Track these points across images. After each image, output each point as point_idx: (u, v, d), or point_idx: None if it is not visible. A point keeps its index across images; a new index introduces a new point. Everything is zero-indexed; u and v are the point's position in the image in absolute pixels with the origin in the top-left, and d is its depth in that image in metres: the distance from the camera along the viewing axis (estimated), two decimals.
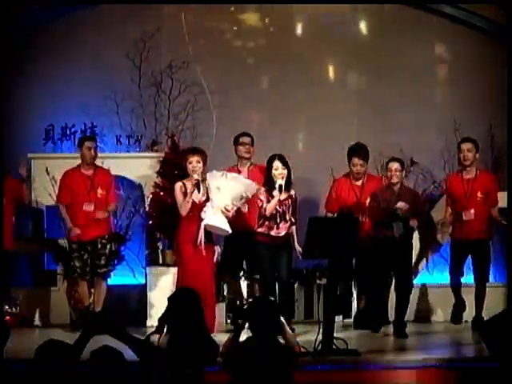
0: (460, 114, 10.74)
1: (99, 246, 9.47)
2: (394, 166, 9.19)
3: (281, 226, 8.95)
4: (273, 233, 8.97)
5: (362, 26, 11.21)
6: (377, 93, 11.19)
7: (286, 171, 8.90)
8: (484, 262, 9.61)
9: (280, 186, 8.82)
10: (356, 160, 9.49)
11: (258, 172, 9.46)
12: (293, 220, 9.00)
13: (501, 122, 10.69)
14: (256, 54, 11.22)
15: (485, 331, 8.09)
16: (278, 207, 8.90)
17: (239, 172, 9.33)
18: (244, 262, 9.79)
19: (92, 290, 9.70)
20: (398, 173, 9.16)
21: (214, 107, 10.68)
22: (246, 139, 9.62)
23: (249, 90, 11.08)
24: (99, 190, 9.50)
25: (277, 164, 8.90)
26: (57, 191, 9.69)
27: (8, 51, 10.57)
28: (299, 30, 11.25)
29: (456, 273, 9.65)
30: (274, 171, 8.89)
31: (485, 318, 9.13)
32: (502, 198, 10.29)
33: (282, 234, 8.97)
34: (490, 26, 10.99)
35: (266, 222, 8.95)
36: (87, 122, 10.67)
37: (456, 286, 9.67)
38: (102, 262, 9.50)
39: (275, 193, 8.84)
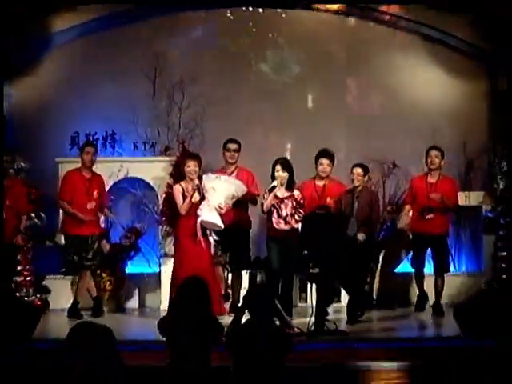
0: (437, 123, 10.72)
1: (89, 241, 9.48)
2: (358, 170, 9.28)
3: (280, 221, 8.98)
4: (276, 227, 9.00)
5: (354, 45, 11.19)
6: (364, 104, 11.18)
7: (285, 174, 8.94)
8: (443, 255, 9.69)
9: (273, 186, 8.91)
10: (323, 160, 9.44)
11: (241, 174, 9.47)
12: (297, 217, 8.96)
13: (472, 130, 10.84)
14: (257, 69, 11.23)
15: (458, 313, 8.23)
16: (276, 204, 8.95)
17: (225, 173, 9.32)
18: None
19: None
20: (359, 177, 9.24)
21: (219, 117, 10.73)
22: (232, 146, 9.56)
23: (250, 101, 11.05)
24: (95, 193, 9.56)
25: (278, 167, 8.97)
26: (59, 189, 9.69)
27: (39, 72, 10.74)
28: (297, 48, 11.23)
29: (417, 264, 9.71)
30: (275, 173, 8.97)
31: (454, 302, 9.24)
32: (477, 198, 10.46)
33: (285, 228, 8.96)
34: (464, 45, 10.97)
35: (269, 218, 9.03)
36: (108, 129, 10.68)
37: (419, 278, 9.72)
38: (90, 256, 9.49)
39: (271, 192, 8.92)
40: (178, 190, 8.89)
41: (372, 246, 9.46)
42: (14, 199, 9.51)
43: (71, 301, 9.62)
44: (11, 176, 9.66)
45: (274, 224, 8.99)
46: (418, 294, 9.76)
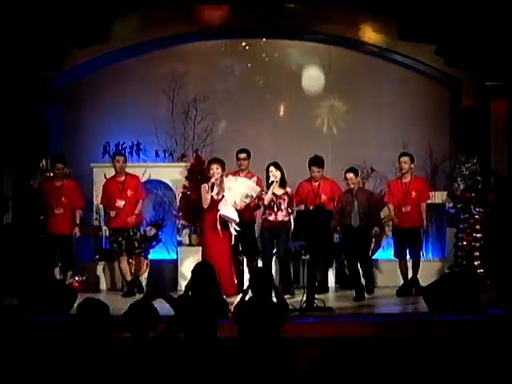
0: (408, 135, 10.65)
1: (131, 233, 9.44)
2: (350, 175, 9.23)
3: (278, 214, 8.91)
4: (271, 218, 8.94)
5: (338, 70, 11.12)
6: (347, 119, 11.09)
7: (278, 173, 8.93)
8: (418, 244, 9.58)
9: (272, 182, 8.88)
10: (315, 168, 9.40)
11: (250, 177, 9.34)
12: (289, 210, 8.95)
13: (437, 140, 10.80)
14: (258, 88, 11.12)
15: (425, 293, 8.15)
16: (274, 199, 8.90)
17: (239, 176, 9.25)
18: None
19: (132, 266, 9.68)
20: (353, 180, 9.19)
21: (226, 130, 10.67)
22: (241, 155, 9.52)
23: (251, 117, 10.99)
24: (129, 192, 9.47)
25: (271, 168, 8.95)
26: (100, 195, 9.71)
27: (77, 91, 10.74)
28: (291, 69, 11.15)
29: (400, 255, 9.57)
30: (270, 173, 8.93)
31: (422, 284, 9.11)
32: (441, 196, 10.41)
33: (279, 219, 8.92)
34: (431, 70, 10.96)
35: (267, 211, 8.97)
36: (134, 140, 10.64)
37: (404, 267, 9.48)
38: (136, 244, 9.48)
39: (270, 188, 8.88)
40: (204, 187, 8.85)
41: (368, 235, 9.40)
42: (70, 197, 9.44)
43: (104, 283, 9.77)
44: (60, 178, 9.53)
45: (272, 217, 8.93)
46: (403, 282, 9.55)
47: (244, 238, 9.37)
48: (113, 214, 9.41)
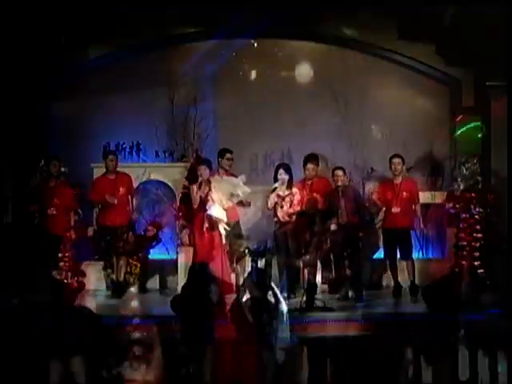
0: (407, 135, 10.66)
1: (119, 232, 9.43)
2: (339, 173, 9.17)
3: (284, 215, 8.88)
4: (281, 220, 8.92)
5: (338, 70, 11.11)
6: (347, 119, 11.03)
7: (287, 176, 8.93)
8: (408, 245, 9.54)
9: (275, 187, 8.86)
10: (309, 165, 9.35)
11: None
12: (291, 211, 8.90)
13: (437, 140, 10.78)
14: (257, 89, 11.11)
15: (425, 293, 8.14)
16: (278, 202, 8.88)
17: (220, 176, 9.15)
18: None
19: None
20: (341, 178, 9.11)
21: (226, 129, 10.66)
22: (230, 155, 9.45)
23: (252, 117, 10.99)
24: (121, 189, 9.48)
25: (281, 171, 8.96)
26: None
27: (77, 91, 10.73)
28: (291, 69, 11.19)
29: (391, 256, 9.55)
30: (278, 176, 8.93)
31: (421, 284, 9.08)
32: (441, 196, 10.37)
33: (287, 220, 8.90)
34: (430, 70, 10.96)
35: (275, 213, 8.96)
36: (134, 140, 10.63)
37: (394, 269, 9.51)
38: (120, 244, 9.47)
39: (276, 190, 8.86)
40: (193, 188, 8.82)
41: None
42: (62, 198, 9.43)
43: (103, 283, 9.70)
44: (55, 178, 9.55)
45: (280, 218, 8.92)
46: (393, 284, 9.55)
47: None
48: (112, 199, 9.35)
